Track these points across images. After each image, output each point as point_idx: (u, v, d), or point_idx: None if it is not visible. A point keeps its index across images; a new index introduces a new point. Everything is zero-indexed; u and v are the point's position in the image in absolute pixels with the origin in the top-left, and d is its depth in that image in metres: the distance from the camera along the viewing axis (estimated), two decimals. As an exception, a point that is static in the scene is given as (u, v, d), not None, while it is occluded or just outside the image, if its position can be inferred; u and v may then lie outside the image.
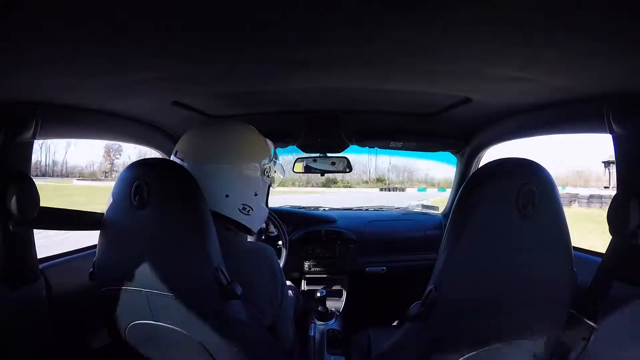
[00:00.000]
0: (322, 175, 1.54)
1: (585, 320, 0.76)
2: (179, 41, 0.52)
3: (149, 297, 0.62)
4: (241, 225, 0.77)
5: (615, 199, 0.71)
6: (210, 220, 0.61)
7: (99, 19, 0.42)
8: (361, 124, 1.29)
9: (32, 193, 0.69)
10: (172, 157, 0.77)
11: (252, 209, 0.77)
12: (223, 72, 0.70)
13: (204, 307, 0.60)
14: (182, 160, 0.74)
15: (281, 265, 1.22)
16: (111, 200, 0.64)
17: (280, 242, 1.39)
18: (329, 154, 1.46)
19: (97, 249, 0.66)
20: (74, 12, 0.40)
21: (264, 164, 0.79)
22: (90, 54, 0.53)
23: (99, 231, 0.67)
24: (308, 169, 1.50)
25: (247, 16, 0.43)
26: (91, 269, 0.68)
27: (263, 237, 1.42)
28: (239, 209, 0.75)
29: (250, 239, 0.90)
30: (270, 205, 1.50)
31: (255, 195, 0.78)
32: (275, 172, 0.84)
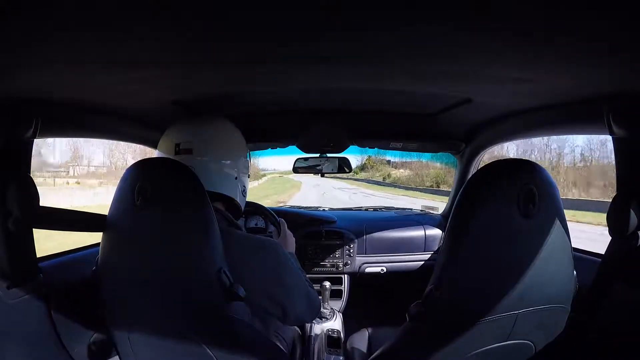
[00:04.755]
0: (322, 175, 1.54)
1: (585, 320, 0.76)
2: (179, 41, 0.52)
3: (151, 297, 0.62)
4: (235, 208, 0.82)
5: (615, 200, 0.71)
6: (214, 220, 0.61)
7: (100, 18, 0.42)
8: (361, 124, 1.29)
9: (32, 193, 0.69)
10: (165, 150, 0.75)
11: (246, 190, 0.86)
12: (224, 72, 0.70)
13: (206, 308, 0.60)
14: (189, 152, 0.73)
15: None
16: (114, 200, 0.64)
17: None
18: (328, 154, 1.46)
19: (100, 248, 0.66)
20: (75, 11, 0.40)
21: (247, 151, 0.89)
22: (91, 52, 0.53)
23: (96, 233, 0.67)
24: (308, 169, 1.51)
25: (247, 16, 0.43)
26: (94, 267, 0.68)
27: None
28: (241, 191, 0.82)
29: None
30: (268, 205, 1.51)
31: (248, 176, 0.87)
32: None
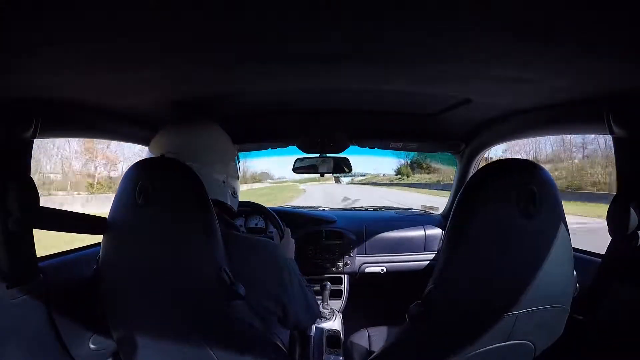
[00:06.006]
0: (322, 175, 1.54)
1: (585, 320, 0.76)
2: (179, 41, 0.52)
3: (152, 296, 0.62)
4: (229, 210, 0.82)
5: (615, 200, 0.71)
6: (215, 219, 0.61)
7: (100, 18, 0.42)
8: (361, 124, 1.30)
9: (32, 193, 0.69)
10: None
11: (237, 192, 0.86)
12: (224, 72, 0.70)
13: (207, 307, 0.60)
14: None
15: None
16: (116, 199, 0.64)
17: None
18: (329, 155, 1.47)
19: (101, 247, 0.66)
20: (74, 11, 0.40)
21: (236, 154, 0.89)
22: (91, 53, 0.53)
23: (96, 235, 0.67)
24: (308, 170, 1.51)
25: (247, 16, 0.43)
26: (95, 266, 0.68)
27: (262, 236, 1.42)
28: (231, 193, 0.83)
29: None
30: (266, 205, 1.51)
31: (237, 178, 0.87)
32: None
